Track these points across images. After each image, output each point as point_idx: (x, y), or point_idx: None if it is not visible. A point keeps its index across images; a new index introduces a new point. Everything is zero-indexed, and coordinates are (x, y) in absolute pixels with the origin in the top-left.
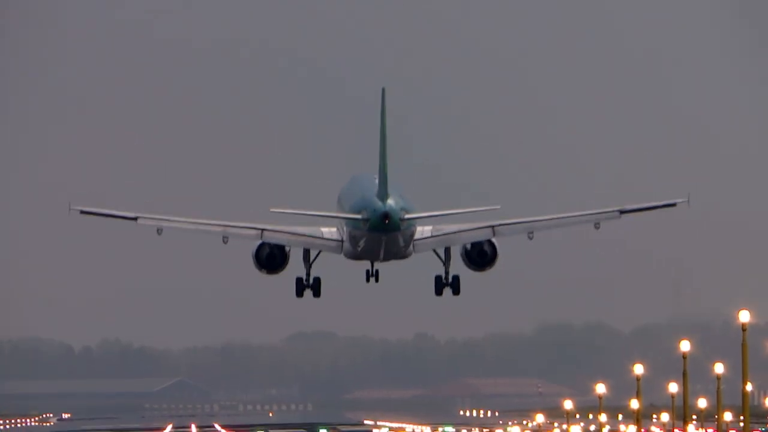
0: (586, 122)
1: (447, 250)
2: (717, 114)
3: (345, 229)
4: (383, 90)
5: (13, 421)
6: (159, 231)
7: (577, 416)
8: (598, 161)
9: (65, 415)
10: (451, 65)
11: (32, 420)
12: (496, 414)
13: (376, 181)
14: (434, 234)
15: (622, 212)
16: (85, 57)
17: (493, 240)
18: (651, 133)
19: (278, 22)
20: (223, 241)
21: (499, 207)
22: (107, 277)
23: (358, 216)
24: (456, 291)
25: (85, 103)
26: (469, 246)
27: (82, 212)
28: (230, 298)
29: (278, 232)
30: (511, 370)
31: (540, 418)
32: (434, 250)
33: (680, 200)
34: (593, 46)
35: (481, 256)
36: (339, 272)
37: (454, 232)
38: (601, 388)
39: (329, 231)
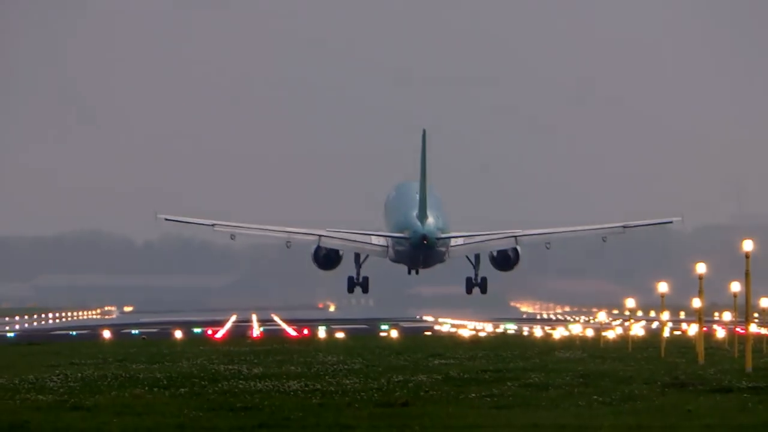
0: (592, 140)
1: (477, 256)
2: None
3: (390, 241)
4: (424, 132)
5: (74, 314)
6: (232, 236)
7: (639, 314)
8: (603, 177)
9: (127, 308)
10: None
11: (94, 313)
12: (558, 311)
13: (417, 195)
14: (466, 243)
15: (625, 227)
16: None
17: (517, 247)
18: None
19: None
20: (287, 245)
21: (519, 230)
22: (170, 171)
23: (401, 234)
24: (483, 290)
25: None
26: (495, 252)
27: (166, 219)
28: (293, 193)
29: (333, 238)
30: (574, 268)
31: (602, 315)
32: (466, 256)
33: (676, 218)
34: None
35: (505, 261)
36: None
37: (483, 241)
38: (663, 287)
39: (377, 238)
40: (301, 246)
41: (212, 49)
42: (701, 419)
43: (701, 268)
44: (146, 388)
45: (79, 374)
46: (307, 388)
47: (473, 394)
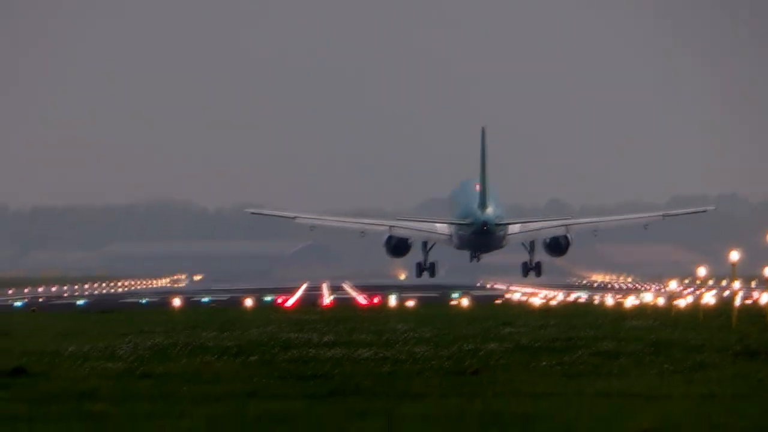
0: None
1: (532, 242)
2: None
3: (454, 229)
4: (483, 129)
5: (145, 282)
6: (312, 228)
7: (710, 282)
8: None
9: (196, 277)
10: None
11: (164, 281)
12: (629, 280)
13: (478, 187)
14: (522, 230)
15: (664, 216)
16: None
17: (567, 234)
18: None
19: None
20: (361, 235)
21: (570, 219)
22: (241, 142)
23: (464, 222)
24: (538, 273)
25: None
26: (548, 239)
27: (252, 213)
28: (364, 166)
29: (403, 227)
30: (645, 238)
31: (673, 284)
32: (522, 243)
33: (709, 207)
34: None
35: (557, 246)
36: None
37: (538, 229)
38: (734, 256)
39: (442, 227)
40: (374, 237)
41: (283, 34)
42: None
43: None
44: (216, 356)
45: (149, 342)
46: (377, 357)
47: (544, 363)
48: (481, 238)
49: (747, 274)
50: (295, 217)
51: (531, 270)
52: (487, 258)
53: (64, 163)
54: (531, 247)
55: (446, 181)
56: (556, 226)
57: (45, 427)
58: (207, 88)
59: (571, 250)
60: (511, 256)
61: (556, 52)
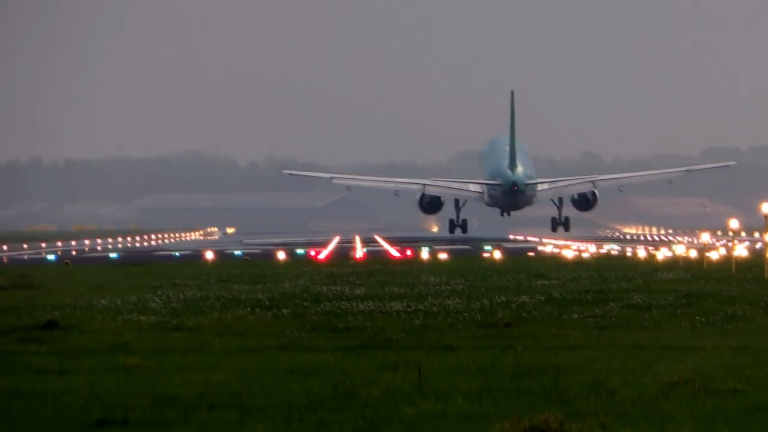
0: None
1: (560, 199)
2: None
3: (485, 188)
4: (512, 93)
5: (177, 235)
6: (348, 188)
7: (743, 234)
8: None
9: (229, 230)
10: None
11: (196, 234)
12: (662, 232)
13: (507, 147)
14: (551, 188)
15: (687, 171)
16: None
17: (594, 190)
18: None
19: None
20: (395, 193)
21: (596, 175)
22: (274, 94)
23: (494, 182)
24: (567, 228)
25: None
26: (576, 196)
27: (291, 174)
28: (396, 118)
29: (436, 186)
30: (677, 190)
31: (705, 236)
32: (551, 200)
33: (731, 163)
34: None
35: (585, 202)
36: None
37: (566, 186)
38: (766, 208)
39: (474, 186)
40: (407, 194)
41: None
42: None
43: None
44: (249, 308)
45: (182, 295)
46: (409, 309)
47: (576, 315)
48: (511, 197)
49: None
50: (331, 178)
51: (560, 225)
52: (517, 213)
53: (97, 117)
54: (559, 203)
55: (478, 135)
56: (583, 183)
57: (78, 381)
58: (239, 44)
59: (603, 204)
60: (540, 209)
61: None
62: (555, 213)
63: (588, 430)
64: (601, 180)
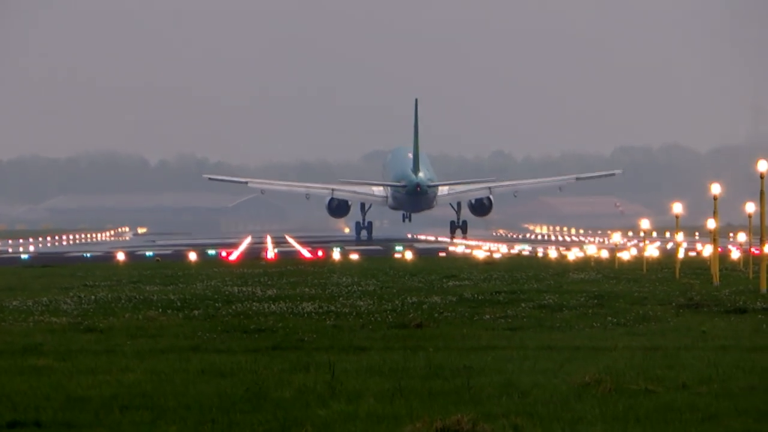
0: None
1: (458, 203)
2: None
3: (389, 190)
4: (416, 101)
5: (88, 235)
6: (262, 192)
7: (654, 235)
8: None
9: (141, 230)
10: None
11: (108, 234)
12: (573, 232)
13: (410, 156)
14: (450, 192)
15: (577, 179)
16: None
17: (490, 197)
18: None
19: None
20: (306, 197)
21: (493, 178)
22: (184, 93)
23: (399, 184)
24: (464, 231)
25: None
26: (473, 201)
27: (210, 179)
28: (307, 118)
29: (343, 191)
30: (588, 190)
31: (617, 236)
32: (450, 204)
33: (617, 171)
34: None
35: (481, 207)
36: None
37: (463, 192)
38: (677, 208)
39: (378, 190)
40: (317, 197)
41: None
42: (715, 340)
43: (716, 188)
44: (160, 310)
45: (93, 296)
46: (321, 310)
47: (487, 316)
48: (414, 198)
49: (690, 226)
50: (246, 182)
51: (458, 228)
52: (418, 217)
53: (6, 116)
54: (458, 208)
55: (388, 134)
56: (480, 189)
57: None
58: (149, 41)
59: (517, 202)
60: (439, 211)
61: None
62: (454, 217)
63: (500, 430)
64: (496, 186)
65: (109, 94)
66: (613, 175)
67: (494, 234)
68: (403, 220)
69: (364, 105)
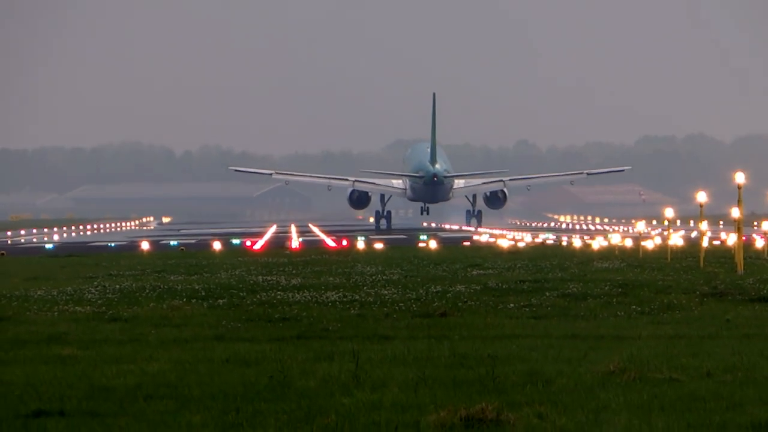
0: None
1: (474, 196)
2: None
3: (408, 182)
4: (434, 95)
5: (113, 225)
6: (287, 183)
7: (678, 223)
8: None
9: (165, 219)
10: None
11: (132, 224)
12: (597, 221)
13: (428, 149)
14: (466, 185)
15: (588, 174)
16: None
17: (505, 190)
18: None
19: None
20: (328, 189)
21: (507, 170)
22: (209, 84)
23: (417, 175)
24: (479, 222)
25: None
26: (488, 193)
27: (236, 170)
28: (331, 108)
29: (363, 182)
30: (612, 179)
31: (641, 225)
32: (466, 196)
33: (627, 167)
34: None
35: (496, 200)
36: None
37: (479, 185)
38: (702, 197)
39: (397, 182)
40: (339, 189)
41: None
42: (739, 329)
43: (740, 177)
44: (184, 299)
45: (118, 286)
46: (345, 299)
47: (511, 305)
48: (431, 188)
49: (715, 214)
50: (271, 174)
51: (473, 218)
52: (435, 208)
53: (33, 107)
54: (473, 200)
55: (411, 124)
56: (495, 182)
57: (14, 372)
58: (172, 33)
59: (539, 191)
60: (458, 207)
61: None
62: (470, 208)
63: (524, 419)
64: (510, 180)
65: (134, 85)
66: (622, 171)
67: (509, 223)
68: (421, 213)
69: (387, 96)
